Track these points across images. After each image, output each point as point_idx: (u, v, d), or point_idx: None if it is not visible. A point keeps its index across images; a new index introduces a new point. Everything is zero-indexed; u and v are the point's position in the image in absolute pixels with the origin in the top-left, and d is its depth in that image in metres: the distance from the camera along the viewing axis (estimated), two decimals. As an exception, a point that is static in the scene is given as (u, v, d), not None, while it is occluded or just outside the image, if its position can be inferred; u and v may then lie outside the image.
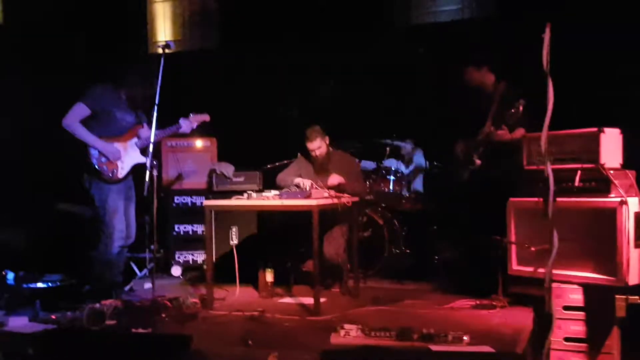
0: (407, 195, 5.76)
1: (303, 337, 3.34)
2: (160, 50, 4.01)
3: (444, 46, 5.72)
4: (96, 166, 4.25)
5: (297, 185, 4.41)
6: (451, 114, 4.90)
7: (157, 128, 4.08)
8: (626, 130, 3.67)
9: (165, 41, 4.08)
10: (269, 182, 5.16)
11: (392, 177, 5.62)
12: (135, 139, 4.42)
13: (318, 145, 4.69)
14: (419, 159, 5.89)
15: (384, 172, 5.63)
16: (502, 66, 4.53)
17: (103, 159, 4.28)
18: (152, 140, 4.05)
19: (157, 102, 3.96)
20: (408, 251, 5.36)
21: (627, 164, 3.67)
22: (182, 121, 4.43)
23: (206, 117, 4.54)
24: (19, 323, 3.62)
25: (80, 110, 4.23)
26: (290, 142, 5.06)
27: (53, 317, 3.72)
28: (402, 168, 5.71)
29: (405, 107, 5.87)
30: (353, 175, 4.78)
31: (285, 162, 5.24)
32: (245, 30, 6.71)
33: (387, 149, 5.69)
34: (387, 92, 5.99)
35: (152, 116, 4.00)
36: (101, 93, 4.31)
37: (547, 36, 2.53)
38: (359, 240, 4.74)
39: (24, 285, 4.16)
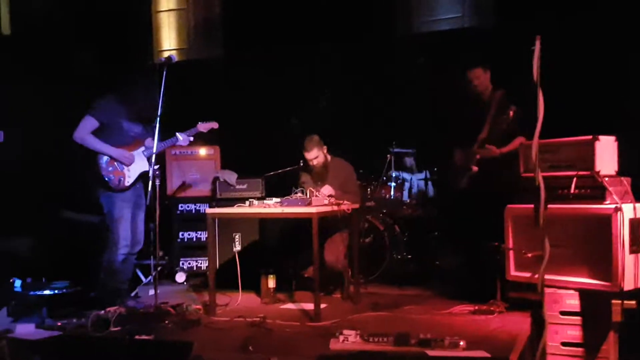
0: (408, 201, 5.82)
1: (303, 343, 3.40)
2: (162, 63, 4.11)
3: (444, 54, 5.77)
4: (103, 176, 4.35)
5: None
6: (450, 121, 4.95)
7: (159, 139, 4.17)
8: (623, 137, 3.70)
9: (169, 55, 4.15)
10: (272, 189, 5.23)
11: (393, 184, 5.68)
12: (142, 148, 4.51)
13: (315, 156, 4.77)
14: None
15: (385, 178, 5.69)
16: (500, 74, 4.58)
17: (110, 168, 4.37)
18: (154, 150, 4.14)
19: (159, 112, 4.05)
20: (409, 257, 5.42)
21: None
22: (178, 135, 4.53)
23: (214, 125, 4.64)
24: (25, 330, 3.70)
25: (89, 123, 4.36)
26: (292, 150, 5.13)
27: (59, 323, 3.80)
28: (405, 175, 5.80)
29: (405, 115, 5.93)
30: (349, 184, 4.84)
31: (288, 169, 5.31)
32: (250, 39, 6.79)
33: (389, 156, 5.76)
34: (388, 100, 6.05)
35: (155, 126, 4.10)
36: (108, 105, 4.42)
37: (537, 48, 2.58)
38: (361, 246, 4.80)
39: (31, 293, 4.23)
